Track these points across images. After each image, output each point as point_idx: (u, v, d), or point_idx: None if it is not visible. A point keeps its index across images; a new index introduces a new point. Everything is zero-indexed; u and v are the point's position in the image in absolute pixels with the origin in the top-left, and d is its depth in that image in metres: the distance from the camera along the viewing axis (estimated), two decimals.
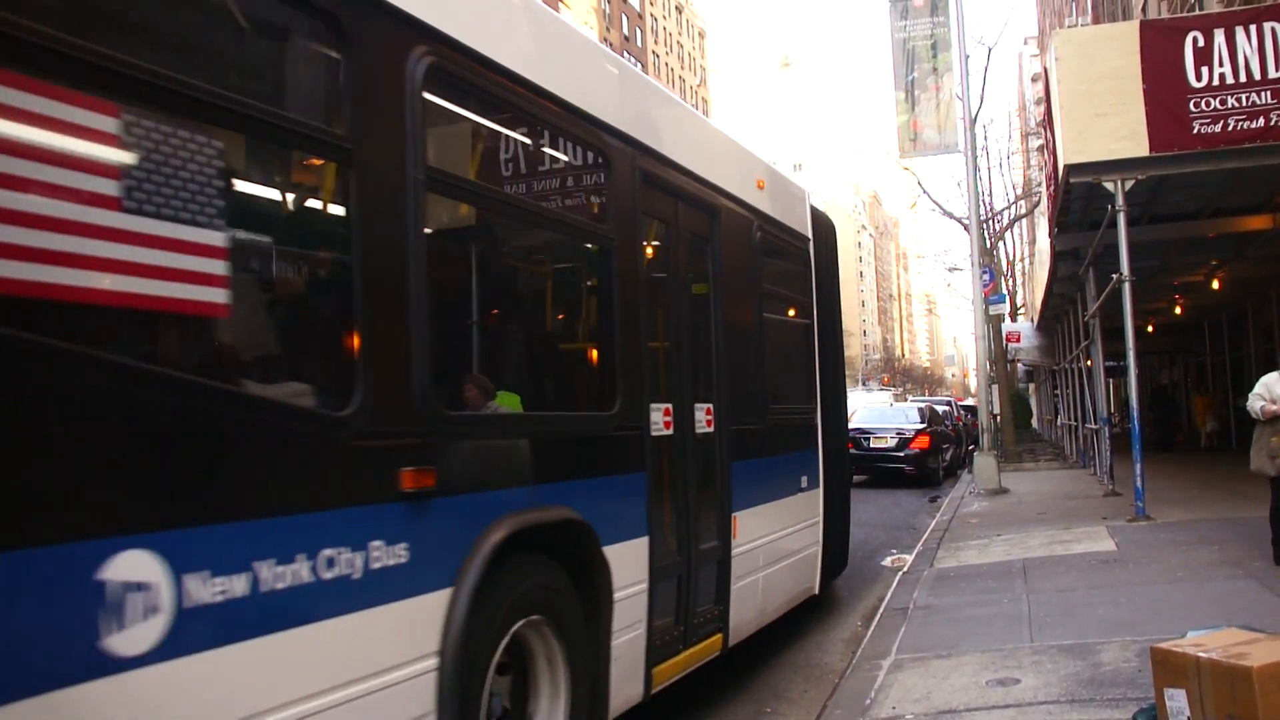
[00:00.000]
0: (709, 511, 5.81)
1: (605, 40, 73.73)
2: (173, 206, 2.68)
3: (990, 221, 31.67)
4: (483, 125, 4.42)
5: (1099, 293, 14.18)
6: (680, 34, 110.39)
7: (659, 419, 5.25)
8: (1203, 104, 10.26)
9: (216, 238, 2.82)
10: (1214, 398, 26.61)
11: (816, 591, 8.05)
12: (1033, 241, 35.78)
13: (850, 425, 21.67)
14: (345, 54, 3.29)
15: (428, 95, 3.63)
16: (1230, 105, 10.19)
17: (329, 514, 3.07)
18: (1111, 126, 10.54)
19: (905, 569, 9.89)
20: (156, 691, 2.49)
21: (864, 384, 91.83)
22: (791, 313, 7.94)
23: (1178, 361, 34.60)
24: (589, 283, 5.02)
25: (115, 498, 2.48)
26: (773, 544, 6.80)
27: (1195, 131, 10.30)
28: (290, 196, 3.60)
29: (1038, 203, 29.74)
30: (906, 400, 42.53)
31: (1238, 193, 12.71)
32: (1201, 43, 10.28)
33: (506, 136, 4.56)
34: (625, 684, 4.74)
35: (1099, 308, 14.46)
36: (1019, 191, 36.17)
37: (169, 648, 2.51)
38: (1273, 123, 10.11)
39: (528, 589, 4.02)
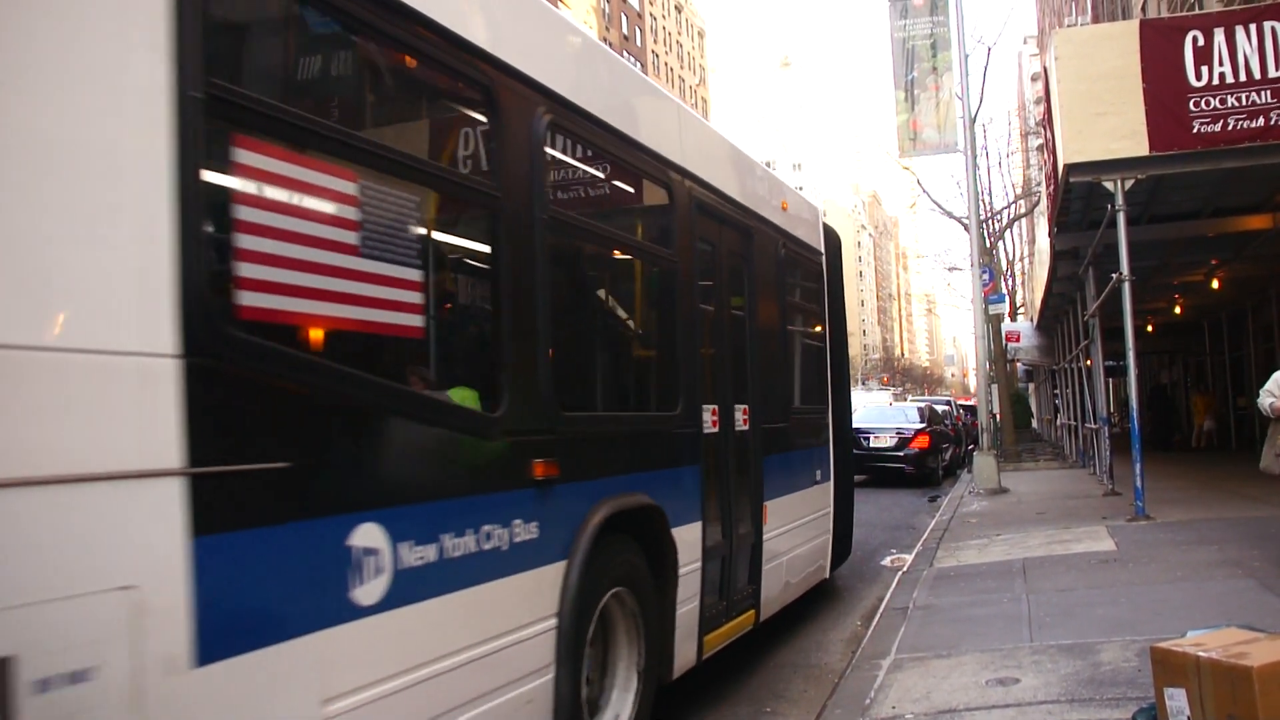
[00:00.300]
0: (745, 500, 6.52)
1: (605, 39, 73.67)
2: (384, 250, 3.33)
3: (990, 221, 31.70)
4: (583, 168, 5.06)
5: (1099, 292, 14.18)
6: (679, 33, 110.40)
7: (708, 418, 5.95)
8: (1202, 103, 10.26)
9: (414, 274, 3.50)
10: (1213, 397, 26.64)
11: (827, 575, 8.69)
12: (1032, 241, 35.79)
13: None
14: (491, 117, 3.97)
15: (548, 149, 4.32)
16: (1230, 105, 10.19)
17: (487, 497, 3.77)
18: (1111, 126, 10.54)
19: (905, 569, 9.89)
20: (381, 636, 3.13)
21: (863, 383, 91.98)
22: (808, 320, 8.68)
23: (1177, 361, 34.61)
24: (658, 300, 5.66)
25: (357, 481, 3.13)
26: (794, 531, 7.53)
27: (1195, 131, 10.30)
28: (461, 240, 4.25)
29: (1037, 202, 29.75)
30: (906, 400, 42.59)
31: (1237, 192, 12.72)
32: (1201, 42, 10.27)
33: (601, 177, 5.24)
34: (683, 649, 5.40)
35: (1099, 307, 14.46)
36: (1018, 191, 36.20)
37: (389, 601, 3.17)
38: (1273, 122, 10.10)
39: (618, 563, 4.67)
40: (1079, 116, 10.78)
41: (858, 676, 6.00)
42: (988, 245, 29.60)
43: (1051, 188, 13.68)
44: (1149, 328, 26.74)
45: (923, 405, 25.02)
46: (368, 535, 3.11)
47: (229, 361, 2.68)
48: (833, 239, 9.27)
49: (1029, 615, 7.06)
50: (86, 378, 2.33)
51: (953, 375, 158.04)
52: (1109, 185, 10.96)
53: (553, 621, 4.10)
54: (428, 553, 3.36)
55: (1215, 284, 19.56)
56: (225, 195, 2.79)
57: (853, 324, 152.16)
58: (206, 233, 2.65)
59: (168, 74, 2.53)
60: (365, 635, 3.07)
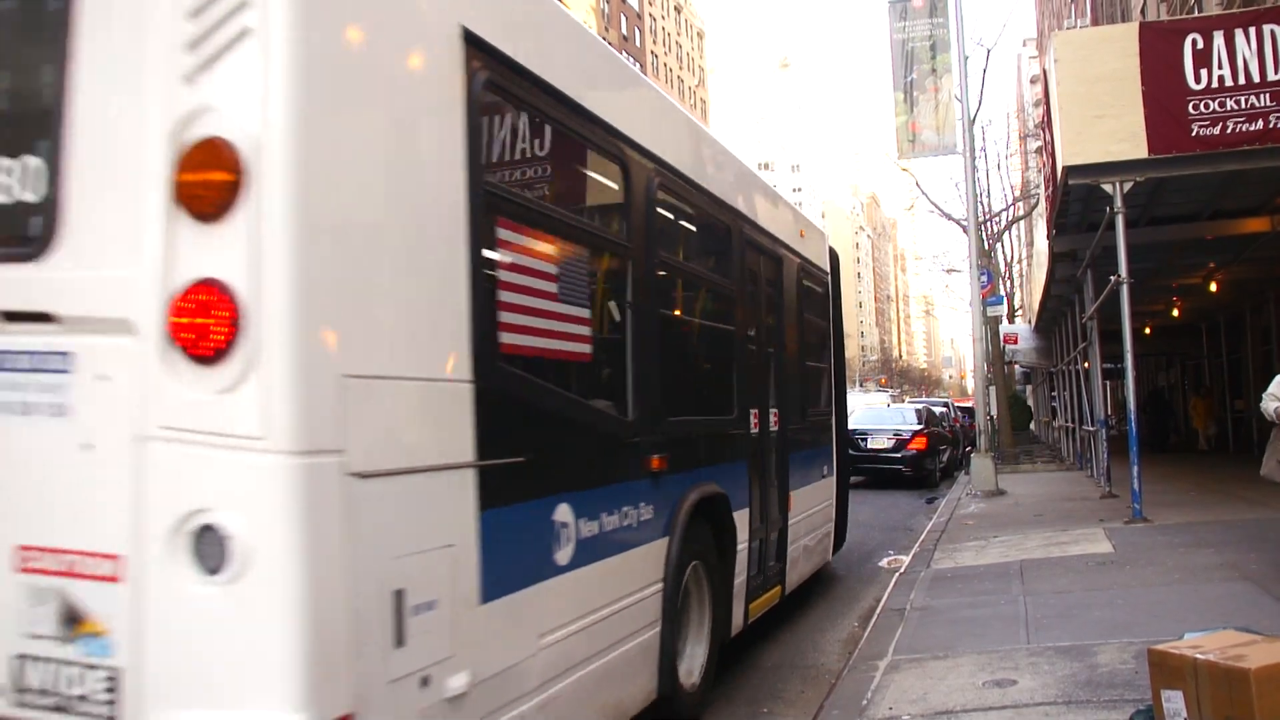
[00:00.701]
0: (775, 491, 7.48)
1: (604, 39, 73.30)
2: (571, 296, 4.34)
3: (988, 223, 31.73)
4: (679, 221, 6.03)
5: (1097, 295, 14.19)
6: (679, 34, 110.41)
7: (752, 420, 6.96)
8: (1202, 106, 10.27)
9: (584, 313, 4.49)
10: (1212, 400, 26.63)
11: (830, 558, 9.84)
12: (1031, 243, 35.83)
13: (848, 426, 21.77)
14: (624, 184, 4.97)
15: (658, 208, 5.34)
16: (1229, 107, 10.20)
17: (625, 484, 4.77)
18: (1110, 128, 10.55)
19: (902, 570, 9.90)
20: (568, 590, 4.13)
21: (861, 385, 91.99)
22: (819, 332, 9.67)
23: (1175, 364, 34.65)
24: (722, 320, 6.71)
25: (557, 470, 4.11)
26: (809, 518, 8.61)
27: (1194, 134, 10.31)
28: (609, 285, 5.00)
29: (1036, 204, 29.80)
30: (904, 401, 42.64)
31: (1236, 195, 12.73)
32: (1201, 45, 10.28)
33: (690, 226, 6.26)
34: (737, 614, 6.46)
35: (1097, 310, 14.47)
36: (1017, 193, 36.23)
37: (573, 564, 4.15)
38: (1272, 125, 10.11)
39: (697, 540, 5.62)
40: (1078, 119, 10.79)
41: (854, 677, 6.01)
42: (986, 247, 29.65)
43: (1050, 190, 13.70)
44: (1147, 330, 26.76)
45: (920, 407, 25.01)
46: (563, 512, 4.11)
47: (495, 384, 3.59)
48: (834, 257, 10.33)
49: (1026, 617, 7.07)
50: (426, 397, 3.26)
51: (951, 377, 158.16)
52: (1108, 187, 10.97)
53: (659, 586, 5.10)
54: (593, 527, 4.37)
55: (1213, 287, 19.58)
56: (493, 265, 3.73)
57: (851, 325, 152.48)
58: (484, 293, 3.58)
59: (465, 181, 3.48)
60: (560, 588, 4.05)
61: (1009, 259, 39.20)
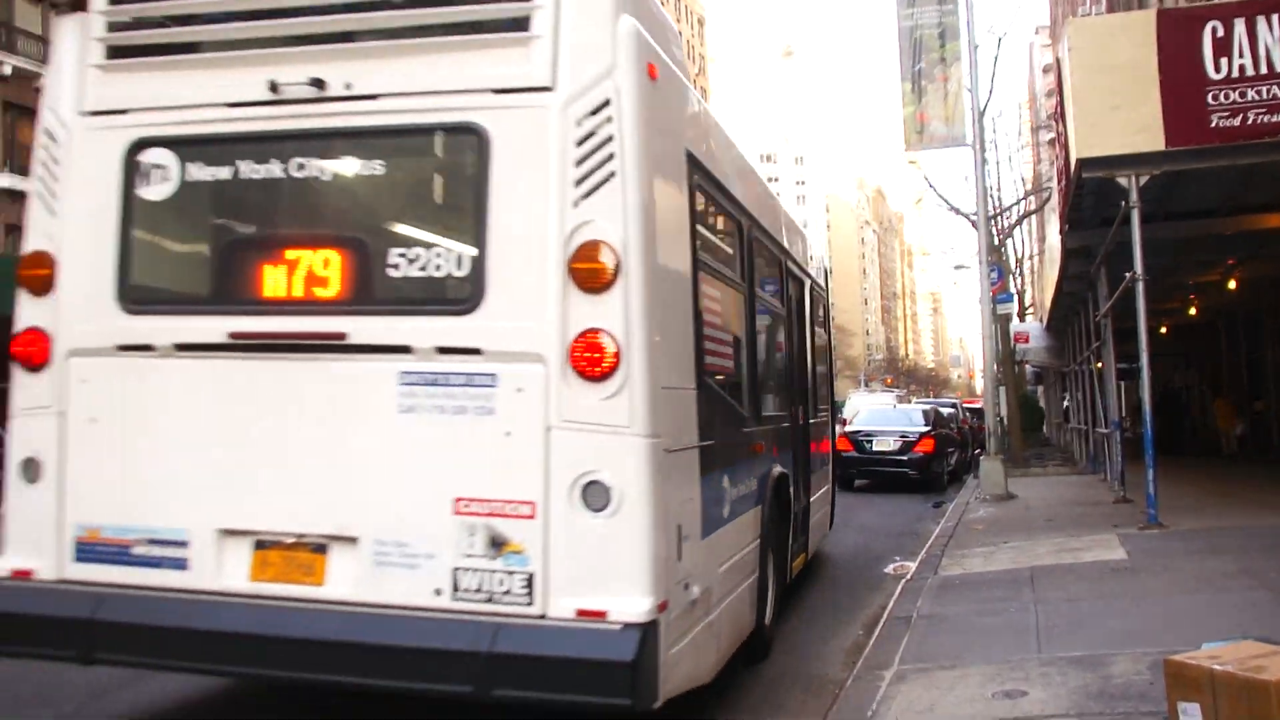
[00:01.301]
0: (802, 474, 9.15)
1: None
2: (721, 322, 6.10)
3: (999, 218, 31.73)
4: (759, 261, 7.66)
5: (1111, 292, 14.18)
6: (679, 20, 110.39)
7: (797, 416, 9.08)
8: (1221, 96, 10.24)
9: (728, 336, 6.35)
10: (1232, 402, 26.49)
11: (828, 530, 11.87)
12: (1042, 239, 35.87)
13: (852, 427, 21.87)
14: (738, 239, 6.91)
15: (754, 255, 7.27)
16: (1250, 98, 10.18)
17: (746, 463, 6.56)
18: (1126, 119, 10.52)
19: (908, 577, 9.89)
20: (727, 538, 5.90)
21: (866, 385, 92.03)
22: (820, 339, 11.30)
23: (1191, 364, 34.65)
24: (777, 335, 8.71)
25: (723, 450, 5.78)
26: (819, 499, 10.54)
27: (1213, 125, 10.28)
28: (736, 314, 6.75)
29: (1048, 198, 29.81)
30: (910, 402, 42.60)
31: (1257, 189, 12.70)
32: (1221, 33, 10.26)
33: (764, 263, 8.01)
34: (788, 570, 8.34)
35: (1111, 308, 14.47)
36: (1029, 187, 36.25)
37: (726, 519, 5.91)
38: None
39: (775, 508, 7.45)
40: (1092, 109, 10.76)
41: (859, 688, 6.00)
42: (996, 243, 29.65)
43: (1063, 183, 13.69)
44: (1163, 329, 26.79)
45: (927, 408, 25.00)
46: (725, 481, 5.87)
47: (702, 392, 5.33)
48: (826, 271, 12.33)
49: (1037, 626, 7.07)
50: (683, 400, 5.06)
51: (959, 377, 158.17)
52: (1123, 181, 10.95)
53: (757, 543, 6.83)
54: (735, 493, 6.13)
55: (1232, 284, 19.60)
56: (699, 305, 5.42)
57: (856, 323, 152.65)
58: (698, 321, 5.39)
59: (690, 252, 5.29)
60: (724, 535, 5.80)
61: (1020, 255, 39.28)
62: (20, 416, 5.09)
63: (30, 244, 5.15)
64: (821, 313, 11.45)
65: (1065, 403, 32.69)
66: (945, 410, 27.49)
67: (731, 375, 6.48)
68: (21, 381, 5.10)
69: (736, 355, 6.62)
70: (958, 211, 31.27)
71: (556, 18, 4.59)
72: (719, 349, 5.91)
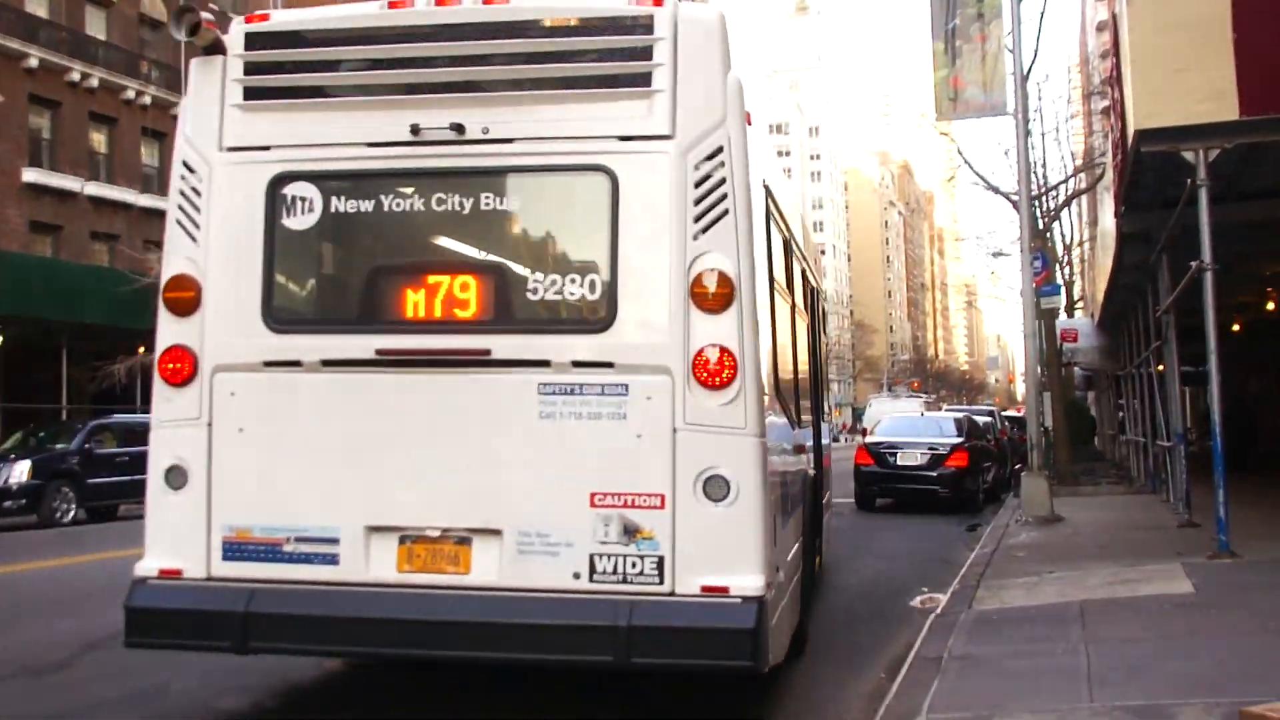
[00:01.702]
0: (826, 477, 11.41)
1: None
2: (783, 334, 7.69)
3: (1044, 198, 31.75)
4: (797, 278, 9.23)
5: (1174, 284, 14.17)
6: None
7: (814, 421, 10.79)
8: None
9: (788, 347, 8.16)
10: None
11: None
12: (1094, 223, 35.89)
13: (873, 438, 21.91)
14: (787, 257, 8.32)
15: (792, 265, 8.77)
16: None
17: (794, 463, 7.95)
18: (1193, 84, 10.47)
19: (938, 611, 9.88)
20: (787, 532, 7.11)
21: (890, 389, 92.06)
22: (822, 347, 12.83)
23: (1269, 368, 34.70)
24: (807, 345, 10.05)
25: (784, 452, 7.33)
26: (826, 503, 12.43)
27: None
28: (788, 328, 8.31)
29: (1101, 176, 29.78)
30: (940, 409, 42.71)
31: None
32: None
33: (799, 281, 9.49)
34: (814, 569, 9.91)
35: (1174, 302, 14.46)
36: (1078, 163, 36.28)
37: (787, 514, 7.11)
38: None
39: (810, 509, 9.08)
40: (1154, 73, 10.71)
41: None
42: (1041, 227, 29.66)
43: (1119, 159, 13.66)
44: (1235, 327, 26.76)
45: (960, 416, 25.06)
46: (787, 479, 7.32)
47: (777, 397, 6.75)
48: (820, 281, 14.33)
49: (1088, 670, 7.05)
50: (769, 405, 6.30)
51: (997, 381, 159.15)
52: (1189, 156, 10.92)
53: (799, 541, 8.00)
54: (792, 491, 7.63)
55: None
56: (770, 316, 6.72)
57: (878, 318, 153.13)
58: (769, 332, 6.58)
59: (768, 270, 6.70)
60: (788, 529, 7.15)
61: (1068, 241, 39.31)
62: (164, 428, 6.21)
63: (172, 268, 6.23)
64: (821, 320, 13.23)
65: (1120, 411, 32.72)
66: (981, 419, 27.55)
67: (789, 381, 7.97)
68: (165, 395, 6.19)
69: (789, 362, 8.12)
70: (996, 190, 31.34)
71: (674, 75, 5.86)
72: (782, 357, 7.45)
